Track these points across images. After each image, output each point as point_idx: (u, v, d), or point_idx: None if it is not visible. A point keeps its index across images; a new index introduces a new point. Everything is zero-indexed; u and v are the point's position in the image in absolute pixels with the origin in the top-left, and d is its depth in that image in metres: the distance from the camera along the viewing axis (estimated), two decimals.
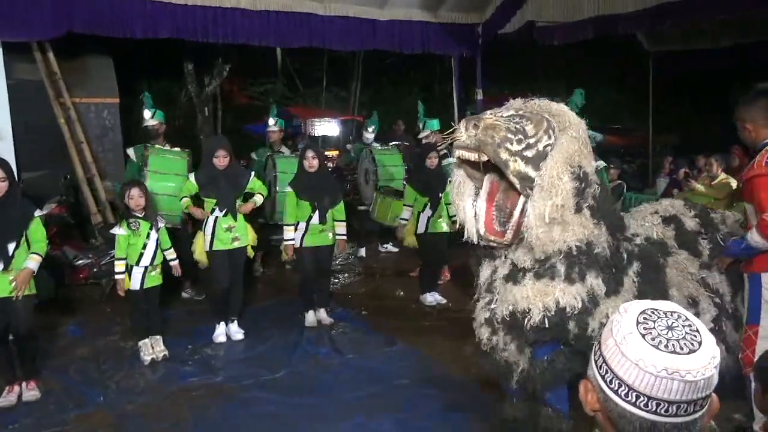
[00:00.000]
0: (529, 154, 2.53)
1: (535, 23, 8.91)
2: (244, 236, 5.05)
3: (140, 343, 4.68)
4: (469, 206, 2.76)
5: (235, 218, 4.97)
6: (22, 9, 6.45)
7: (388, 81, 18.38)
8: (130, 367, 4.57)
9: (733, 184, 6.00)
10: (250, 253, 5.27)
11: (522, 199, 2.59)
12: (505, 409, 3.16)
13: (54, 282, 4.18)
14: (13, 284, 3.81)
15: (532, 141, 2.54)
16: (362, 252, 7.99)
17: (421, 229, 5.91)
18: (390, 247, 8.18)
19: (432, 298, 5.99)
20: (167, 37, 7.38)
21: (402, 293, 6.38)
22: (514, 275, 2.75)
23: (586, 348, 2.71)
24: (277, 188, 6.21)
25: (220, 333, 5.06)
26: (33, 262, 3.89)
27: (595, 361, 1.05)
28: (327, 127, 16.54)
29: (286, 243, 5.31)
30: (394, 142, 8.60)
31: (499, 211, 2.70)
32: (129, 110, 9.62)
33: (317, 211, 5.21)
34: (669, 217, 3.31)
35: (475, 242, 2.77)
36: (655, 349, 0.97)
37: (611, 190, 7.38)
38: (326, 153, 12.62)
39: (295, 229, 5.26)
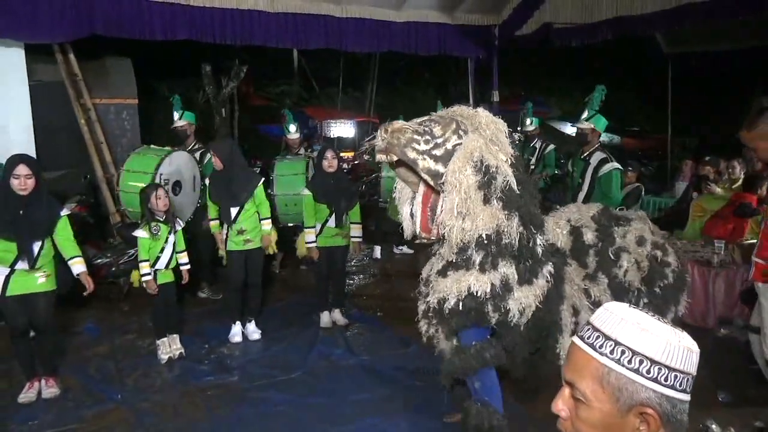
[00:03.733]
0: (437, 152, 2.76)
1: (552, 25, 8.85)
2: (257, 238, 5.07)
3: (158, 341, 4.73)
4: (407, 209, 3.02)
5: (230, 224, 4.98)
6: (45, 12, 6.54)
7: (404, 82, 18.38)
8: (147, 365, 4.62)
9: None
10: (273, 249, 5.28)
11: (440, 196, 2.82)
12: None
13: (72, 277, 4.25)
14: (40, 281, 3.91)
15: (439, 141, 2.78)
16: (377, 253, 8.00)
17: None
18: (405, 249, 8.19)
19: (326, 318, 5.43)
20: (185, 38, 7.45)
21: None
22: (445, 269, 2.99)
23: (512, 335, 2.96)
24: (275, 191, 6.23)
25: (236, 333, 5.10)
26: (80, 266, 4.05)
27: (656, 378, 1.01)
28: (343, 129, 16.59)
29: (308, 245, 5.31)
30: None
31: (432, 212, 2.93)
32: (147, 111, 9.73)
33: (334, 215, 5.22)
34: (575, 227, 3.42)
35: (408, 239, 3.04)
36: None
37: (629, 193, 7.38)
38: (342, 154, 12.71)
39: (315, 231, 5.28)
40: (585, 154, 5.13)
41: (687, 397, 1.02)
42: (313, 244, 5.28)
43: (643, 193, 8.03)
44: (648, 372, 1.00)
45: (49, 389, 4.07)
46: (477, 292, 2.84)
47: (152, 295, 4.66)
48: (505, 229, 2.81)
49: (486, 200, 2.76)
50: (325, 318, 5.44)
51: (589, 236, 3.37)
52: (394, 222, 7.14)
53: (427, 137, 2.76)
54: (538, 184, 3.19)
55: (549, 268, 3.02)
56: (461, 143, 2.77)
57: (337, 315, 5.50)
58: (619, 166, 5.06)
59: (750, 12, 6.88)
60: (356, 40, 8.62)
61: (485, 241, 2.82)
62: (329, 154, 5.26)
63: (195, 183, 6.15)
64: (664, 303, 3.41)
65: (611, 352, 1.02)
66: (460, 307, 2.88)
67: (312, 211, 5.23)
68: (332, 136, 16.01)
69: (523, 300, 2.89)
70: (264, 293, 5.48)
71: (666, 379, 1.00)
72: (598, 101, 5.10)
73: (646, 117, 18.06)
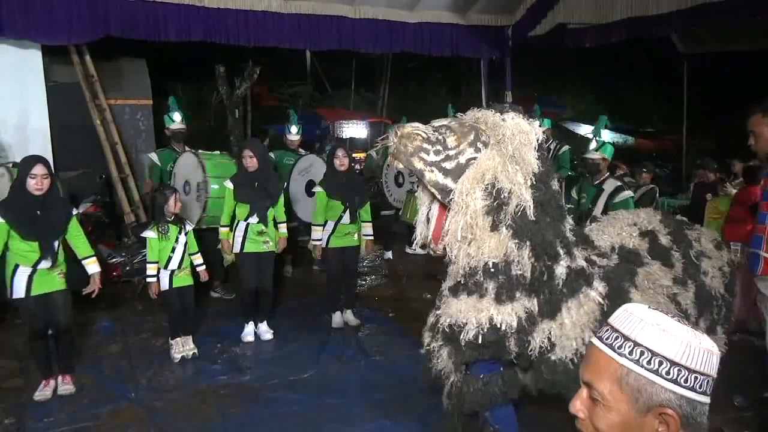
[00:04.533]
0: (448, 165, 2.47)
1: (566, 25, 8.80)
2: (275, 240, 5.11)
3: (171, 341, 4.76)
4: (424, 212, 2.73)
5: (266, 225, 5.02)
6: (61, 14, 6.63)
7: (416, 83, 18.37)
8: (161, 364, 4.65)
9: None
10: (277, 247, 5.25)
11: (448, 214, 2.55)
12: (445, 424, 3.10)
13: (85, 276, 4.32)
14: (59, 279, 3.99)
15: (452, 153, 2.47)
16: (389, 254, 8.00)
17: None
18: (417, 250, 8.17)
19: (338, 318, 5.45)
20: (199, 39, 7.51)
21: (428, 296, 6.35)
22: (455, 288, 2.68)
23: (526, 368, 2.67)
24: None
25: (249, 332, 5.12)
26: (94, 266, 4.12)
27: (676, 379, 1.00)
28: (355, 129, 16.61)
29: (314, 243, 5.35)
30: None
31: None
32: (161, 112, 9.80)
33: (348, 211, 5.23)
34: (646, 230, 3.10)
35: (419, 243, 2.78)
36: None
37: (644, 195, 7.33)
38: (354, 155, 12.72)
39: (323, 229, 5.30)
40: (597, 182, 5.26)
41: (707, 399, 1.02)
42: (319, 242, 5.30)
43: (657, 194, 7.97)
44: (667, 373, 0.99)
45: (65, 387, 4.11)
46: (501, 325, 2.50)
47: (168, 296, 4.69)
48: (515, 259, 2.48)
49: (494, 227, 2.46)
50: (337, 318, 5.45)
51: (663, 241, 3.04)
52: (405, 223, 7.19)
53: (438, 147, 2.46)
54: (563, 205, 2.83)
55: (599, 289, 2.63)
56: (477, 158, 2.47)
57: (349, 315, 5.51)
58: (632, 194, 5.27)
59: (766, 12, 6.78)
60: (369, 40, 8.65)
61: (492, 270, 2.50)
62: (340, 152, 5.29)
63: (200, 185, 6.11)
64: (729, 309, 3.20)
65: (630, 353, 1.02)
66: (480, 341, 2.53)
67: (323, 208, 5.25)
68: (344, 137, 16.02)
69: (544, 334, 2.55)
70: (276, 293, 5.50)
71: (686, 381, 0.99)
72: (601, 131, 5.39)
73: (660, 118, 17.91)
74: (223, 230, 5.11)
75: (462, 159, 2.47)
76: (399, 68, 17.17)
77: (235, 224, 5.05)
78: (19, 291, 3.90)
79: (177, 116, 6.31)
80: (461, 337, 2.57)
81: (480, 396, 2.75)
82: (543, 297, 2.55)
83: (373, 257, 7.64)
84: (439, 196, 2.53)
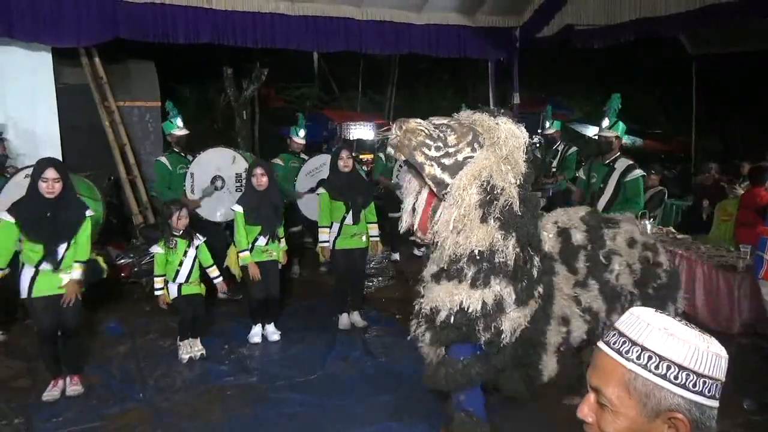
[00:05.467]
0: (446, 161, 2.68)
1: (573, 26, 8.78)
2: (278, 252, 5.12)
3: (179, 342, 4.78)
4: (410, 201, 2.94)
5: (273, 241, 5.03)
6: (71, 17, 6.69)
7: (423, 85, 18.37)
8: (168, 365, 4.67)
9: None
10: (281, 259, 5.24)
11: (442, 203, 2.76)
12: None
13: (100, 268, 4.37)
14: (65, 281, 3.96)
15: (451, 150, 2.69)
16: (396, 256, 8.00)
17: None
18: (424, 251, 8.16)
19: (345, 320, 5.45)
20: (207, 41, 7.54)
21: None
22: (438, 275, 2.94)
23: (502, 354, 2.90)
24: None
25: (256, 333, 5.13)
26: (77, 272, 4.00)
27: (685, 384, 1.00)
28: (362, 131, 16.62)
29: (321, 245, 5.36)
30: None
31: (433, 212, 2.86)
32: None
33: (351, 212, 5.23)
34: (563, 228, 3.32)
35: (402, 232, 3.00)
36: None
37: (652, 196, 7.29)
38: (361, 157, 12.73)
39: (329, 231, 5.30)
40: (609, 161, 5.18)
41: (716, 404, 1.01)
42: (326, 244, 5.31)
43: (666, 196, 7.93)
44: (676, 378, 0.98)
45: (73, 387, 4.13)
46: (468, 308, 2.78)
47: (177, 304, 4.73)
48: (500, 248, 2.73)
49: (483, 219, 2.69)
50: (344, 320, 5.45)
51: (578, 237, 3.29)
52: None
53: (439, 144, 2.67)
54: (539, 203, 3.14)
55: (539, 288, 2.96)
56: (473, 157, 2.69)
57: (356, 317, 5.51)
58: (644, 172, 5.17)
59: None
60: (376, 42, 8.65)
61: (477, 257, 2.75)
62: (344, 153, 5.29)
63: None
64: (660, 303, 3.33)
65: (638, 357, 1.01)
66: (452, 321, 2.83)
67: (327, 210, 5.25)
68: (351, 139, 16.04)
69: (517, 321, 2.84)
70: (283, 295, 5.50)
71: (694, 386, 0.98)
72: (615, 109, 5.21)
73: (669, 119, 17.81)
74: (244, 255, 4.91)
75: (460, 157, 2.70)
76: (406, 70, 17.17)
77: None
78: (23, 290, 3.94)
79: (179, 121, 6.29)
80: (436, 318, 2.87)
81: (460, 376, 2.94)
82: (522, 284, 2.83)
83: (380, 259, 7.63)
84: (434, 189, 2.73)
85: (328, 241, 5.31)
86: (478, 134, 2.74)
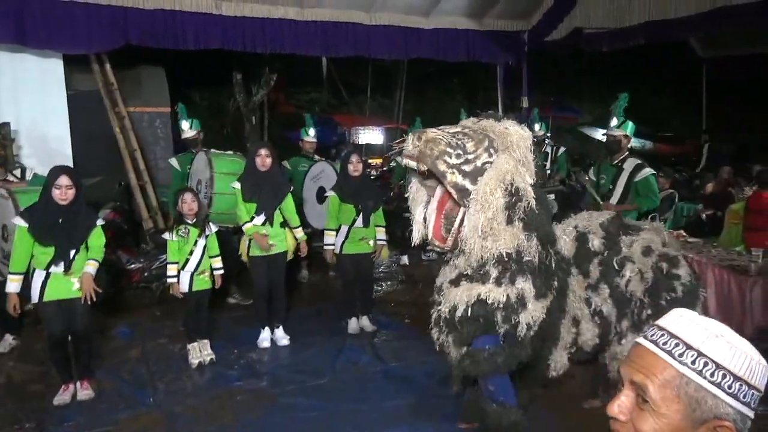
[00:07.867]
0: (467, 168, 2.76)
1: (582, 30, 8.75)
2: (281, 242, 5.09)
3: (189, 346, 4.80)
4: (420, 212, 3.01)
5: (271, 225, 5.02)
6: (83, 24, 6.75)
7: (432, 89, 18.37)
8: (179, 369, 4.69)
9: None
10: (290, 252, 5.24)
11: (462, 210, 2.83)
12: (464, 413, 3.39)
13: (108, 278, 4.39)
14: (76, 286, 3.99)
15: (471, 157, 2.77)
16: (405, 260, 7.99)
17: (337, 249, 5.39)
18: (433, 255, 8.15)
19: (354, 324, 5.44)
20: (217, 47, 7.59)
21: None
22: (458, 279, 3.00)
23: (518, 347, 2.95)
24: (214, 189, 5.69)
25: (265, 338, 5.14)
26: (91, 267, 4.04)
27: (736, 394, 0.98)
28: (371, 136, 16.66)
29: (326, 247, 5.36)
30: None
31: (446, 220, 2.93)
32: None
33: (361, 215, 5.24)
34: (581, 233, 3.36)
35: (415, 243, 3.06)
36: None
37: (663, 199, 7.24)
38: (370, 161, 12.74)
39: (336, 234, 5.31)
40: (617, 161, 5.13)
41: (753, 414, 1.00)
42: (332, 247, 5.32)
43: (677, 199, 7.88)
44: (729, 387, 0.96)
45: (84, 392, 4.16)
46: (488, 300, 2.85)
47: (182, 299, 4.74)
48: (525, 249, 2.84)
49: (509, 221, 2.78)
50: (353, 324, 5.45)
51: (595, 243, 3.32)
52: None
53: (459, 151, 2.74)
54: (551, 204, 3.23)
55: (555, 282, 3.03)
56: (491, 162, 2.77)
57: (365, 321, 5.51)
58: (653, 171, 5.14)
59: None
60: (385, 47, 8.67)
61: (505, 258, 2.83)
62: (354, 158, 5.32)
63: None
64: None
65: (693, 362, 0.98)
66: (469, 314, 2.89)
67: (335, 212, 5.26)
68: (361, 143, 16.07)
69: (534, 314, 2.89)
70: (292, 299, 5.51)
71: (744, 396, 0.97)
72: (623, 108, 5.15)
73: (680, 122, 17.72)
74: (249, 226, 4.96)
75: (479, 162, 2.77)
76: (415, 74, 17.17)
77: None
78: (34, 295, 3.97)
79: (185, 125, 6.35)
80: (455, 315, 2.92)
81: (486, 365, 2.98)
82: (542, 278, 2.92)
83: (389, 263, 7.62)
84: (456, 196, 2.80)
85: (333, 245, 5.32)
86: (492, 139, 2.82)
